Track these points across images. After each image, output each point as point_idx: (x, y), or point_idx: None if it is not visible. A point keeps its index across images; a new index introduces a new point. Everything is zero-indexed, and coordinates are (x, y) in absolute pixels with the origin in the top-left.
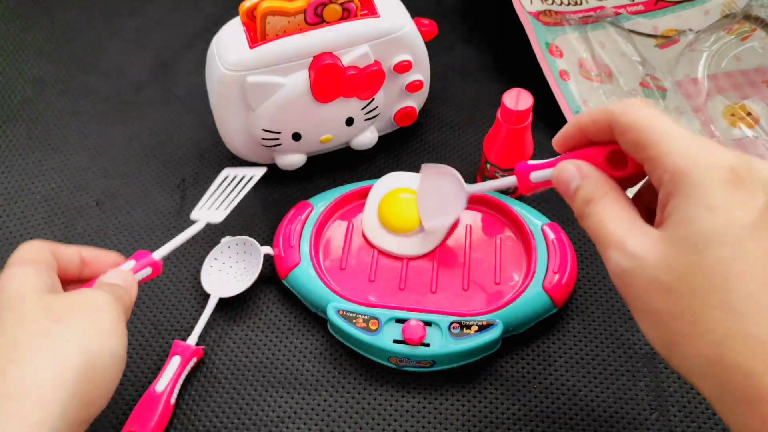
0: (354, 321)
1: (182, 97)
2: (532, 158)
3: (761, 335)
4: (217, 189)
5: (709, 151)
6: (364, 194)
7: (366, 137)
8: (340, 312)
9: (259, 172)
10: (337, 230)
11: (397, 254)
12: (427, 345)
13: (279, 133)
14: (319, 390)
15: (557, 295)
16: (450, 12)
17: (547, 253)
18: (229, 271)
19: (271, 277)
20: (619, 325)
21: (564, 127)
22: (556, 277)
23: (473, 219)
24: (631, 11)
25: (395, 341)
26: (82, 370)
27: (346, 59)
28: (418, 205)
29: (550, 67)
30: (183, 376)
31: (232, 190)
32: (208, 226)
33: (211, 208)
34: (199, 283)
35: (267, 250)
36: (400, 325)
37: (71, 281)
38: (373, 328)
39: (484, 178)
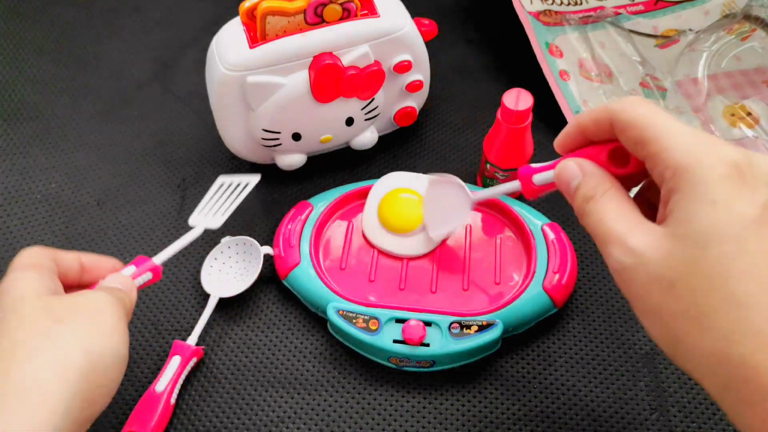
0: (354, 321)
1: (182, 97)
2: (532, 158)
3: None
4: (213, 195)
5: (711, 147)
6: (364, 194)
7: (366, 137)
8: (340, 312)
9: (253, 180)
10: (337, 230)
11: (397, 254)
12: (427, 345)
13: (279, 133)
14: (319, 390)
15: (557, 295)
16: (450, 12)
17: (547, 253)
18: (229, 271)
19: (271, 277)
20: (619, 325)
21: (564, 128)
22: (556, 277)
23: (473, 219)
24: (631, 11)
25: (395, 341)
26: (84, 369)
27: (346, 59)
28: (424, 215)
29: (550, 67)
30: (183, 376)
31: (228, 197)
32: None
33: (209, 214)
34: (199, 283)
35: (267, 250)
36: (400, 325)
37: (71, 287)
38: (373, 328)
39: (484, 178)
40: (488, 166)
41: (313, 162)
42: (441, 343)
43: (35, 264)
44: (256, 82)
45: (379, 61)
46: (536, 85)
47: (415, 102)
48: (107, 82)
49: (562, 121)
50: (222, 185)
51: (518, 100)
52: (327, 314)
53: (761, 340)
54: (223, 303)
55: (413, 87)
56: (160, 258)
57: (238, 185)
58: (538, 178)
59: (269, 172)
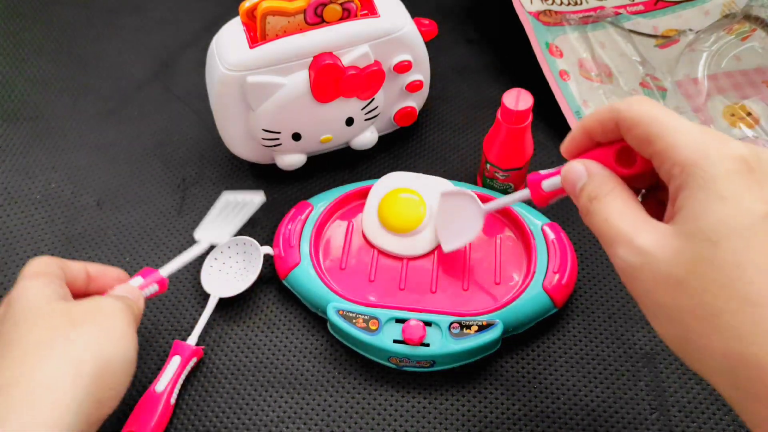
0: (354, 321)
1: (182, 96)
2: (532, 158)
3: None
4: (219, 213)
5: (719, 143)
6: (364, 194)
7: (366, 137)
8: (340, 312)
9: (257, 198)
10: (337, 230)
11: (397, 254)
12: (427, 345)
13: (279, 133)
14: (319, 390)
15: (557, 295)
16: (450, 12)
17: (547, 253)
18: (229, 271)
19: (271, 277)
20: (619, 325)
21: (570, 132)
22: (556, 277)
23: None
24: (631, 11)
25: (395, 341)
26: (95, 372)
27: (346, 59)
28: (437, 229)
29: (550, 67)
30: (183, 376)
31: (233, 214)
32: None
33: (214, 229)
34: (199, 283)
35: (267, 250)
36: (400, 325)
37: (77, 295)
38: (373, 328)
39: (484, 178)
40: (488, 166)
41: (313, 162)
42: (441, 343)
43: (44, 272)
44: (256, 82)
45: (379, 61)
46: (536, 85)
47: (415, 102)
48: (107, 82)
49: (562, 121)
50: (227, 202)
51: (518, 100)
52: (327, 314)
53: None
54: (223, 303)
55: (413, 87)
56: (166, 270)
57: (243, 203)
58: (547, 184)
59: (269, 172)
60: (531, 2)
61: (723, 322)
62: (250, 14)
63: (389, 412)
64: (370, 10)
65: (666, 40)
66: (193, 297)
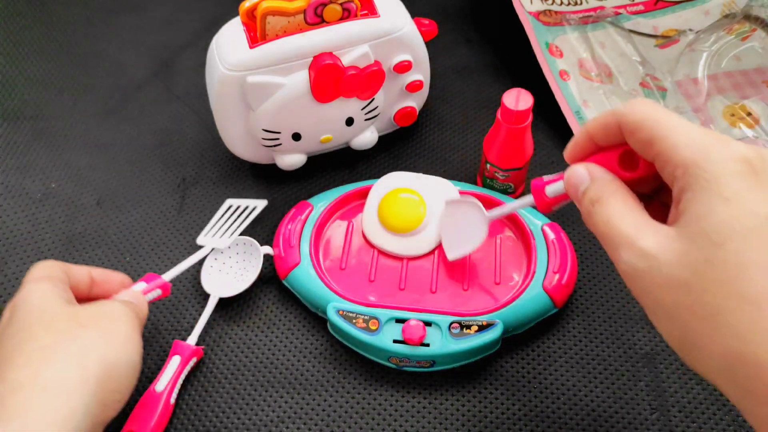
0: (354, 321)
1: (182, 96)
2: (532, 158)
3: None
4: (221, 217)
5: (721, 144)
6: (364, 194)
7: (366, 137)
8: (340, 312)
9: (260, 204)
10: (337, 230)
11: (397, 254)
12: (427, 345)
13: (279, 133)
14: (319, 390)
15: (557, 295)
16: (450, 12)
17: (547, 253)
18: (229, 271)
19: (271, 277)
20: (620, 325)
21: (573, 137)
22: (556, 277)
23: None
24: (631, 11)
25: (395, 341)
26: (102, 374)
27: (346, 59)
28: (442, 238)
29: (550, 67)
30: (183, 376)
31: (236, 219)
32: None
33: (216, 234)
34: (199, 283)
35: (267, 250)
36: (400, 325)
37: (81, 299)
38: (373, 328)
39: (484, 178)
40: (488, 166)
41: (313, 162)
42: (441, 343)
43: (49, 276)
44: (256, 82)
45: (379, 61)
46: (536, 85)
47: (415, 102)
48: (107, 82)
49: (562, 121)
50: (230, 207)
51: (518, 100)
52: (327, 314)
53: None
54: (223, 303)
55: (413, 87)
56: (169, 275)
57: (246, 208)
58: (551, 190)
59: (269, 172)
60: (531, 2)
61: (722, 321)
62: (250, 14)
63: (389, 412)
64: (370, 10)
65: (666, 40)
66: (193, 297)
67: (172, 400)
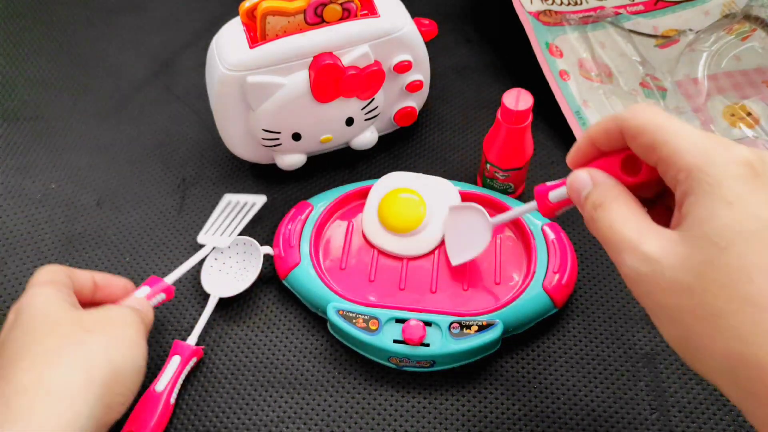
0: (354, 321)
1: (182, 96)
2: (532, 158)
3: None
4: (221, 215)
5: (723, 147)
6: (364, 194)
7: (366, 137)
8: (340, 312)
9: (260, 200)
10: (337, 230)
11: (397, 254)
12: (427, 345)
13: (279, 133)
14: (319, 390)
15: (557, 295)
16: (450, 12)
17: (547, 253)
18: (229, 271)
19: (271, 277)
20: (620, 325)
21: (575, 143)
22: (556, 277)
23: None
24: (631, 11)
25: (395, 341)
26: (107, 377)
27: (346, 59)
28: (446, 244)
29: (550, 67)
30: (183, 376)
31: (235, 216)
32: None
33: (216, 232)
34: (199, 283)
35: (267, 250)
36: (400, 325)
37: (84, 304)
38: (373, 328)
39: (484, 178)
40: (488, 166)
41: (313, 162)
42: (441, 343)
43: (53, 280)
44: (256, 82)
45: (379, 61)
46: (536, 85)
47: (415, 102)
48: (107, 82)
49: (562, 121)
50: (229, 203)
51: (518, 100)
52: (327, 314)
53: None
54: (223, 303)
55: (413, 87)
56: (171, 278)
57: (245, 205)
58: (554, 195)
59: (269, 172)
60: (531, 2)
61: (724, 323)
62: (250, 14)
63: (389, 412)
64: (370, 10)
65: (666, 40)
66: (193, 297)
67: (172, 400)
